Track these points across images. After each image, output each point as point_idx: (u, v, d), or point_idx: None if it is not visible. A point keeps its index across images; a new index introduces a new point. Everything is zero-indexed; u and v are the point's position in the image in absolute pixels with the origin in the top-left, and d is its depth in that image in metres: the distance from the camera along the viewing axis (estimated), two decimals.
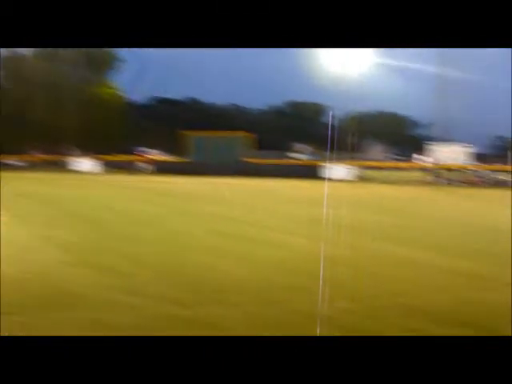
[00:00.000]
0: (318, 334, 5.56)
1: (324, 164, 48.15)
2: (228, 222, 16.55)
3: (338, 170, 46.70)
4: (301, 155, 57.02)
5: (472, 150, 51.77)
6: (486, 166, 51.74)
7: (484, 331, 6.38)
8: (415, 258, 11.26)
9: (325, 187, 32.56)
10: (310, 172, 47.43)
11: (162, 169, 50.80)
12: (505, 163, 54.89)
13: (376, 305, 7.59)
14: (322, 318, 6.18)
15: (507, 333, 6.14)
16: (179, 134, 54.78)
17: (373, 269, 9.98)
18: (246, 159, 51.49)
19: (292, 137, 69.73)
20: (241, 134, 53.96)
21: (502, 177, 47.21)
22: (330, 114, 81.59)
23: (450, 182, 46.63)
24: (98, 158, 54.79)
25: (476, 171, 48.19)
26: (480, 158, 59.58)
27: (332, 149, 43.50)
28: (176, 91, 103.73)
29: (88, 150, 56.83)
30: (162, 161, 55.86)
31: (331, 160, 44.29)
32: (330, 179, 41.91)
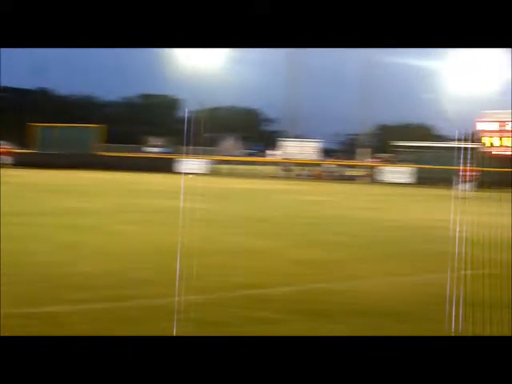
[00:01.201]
0: (174, 328, 5.59)
1: (178, 158, 48.32)
2: (79, 215, 16.17)
3: (191, 163, 46.69)
4: (154, 148, 56.42)
5: (321, 145, 54.13)
6: (334, 161, 55.27)
7: (333, 320, 6.69)
8: (265, 249, 11.58)
9: (178, 181, 32.64)
10: (163, 165, 47.40)
11: (13, 161, 47.58)
12: (351, 159, 58.12)
13: (227, 296, 7.71)
14: (177, 311, 6.15)
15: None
16: (28, 126, 52.80)
17: (224, 261, 10.16)
18: (97, 152, 50.18)
19: (145, 130, 68.18)
20: (92, 125, 52.74)
21: (348, 172, 50.53)
22: (186, 108, 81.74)
23: (299, 176, 49.01)
24: None
25: (324, 166, 51.18)
26: (328, 153, 63.32)
27: (187, 143, 43.36)
28: (28, 82, 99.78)
29: None
30: (13, 153, 51.03)
31: (185, 154, 44.13)
32: (183, 173, 41.82)
